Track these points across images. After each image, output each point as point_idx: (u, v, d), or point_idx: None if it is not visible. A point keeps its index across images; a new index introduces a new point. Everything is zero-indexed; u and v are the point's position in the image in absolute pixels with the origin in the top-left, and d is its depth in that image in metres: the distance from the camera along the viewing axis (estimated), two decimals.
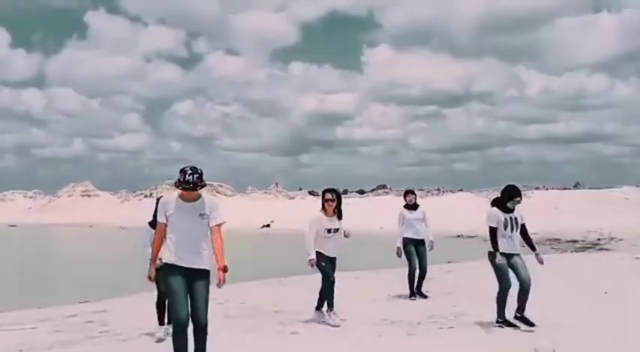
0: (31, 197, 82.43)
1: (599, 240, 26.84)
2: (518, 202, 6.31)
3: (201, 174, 4.46)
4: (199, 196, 4.55)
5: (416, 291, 8.53)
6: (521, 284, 6.22)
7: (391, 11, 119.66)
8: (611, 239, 26.05)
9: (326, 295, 6.69)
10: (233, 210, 56.80)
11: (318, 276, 6.74)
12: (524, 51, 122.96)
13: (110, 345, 6.11)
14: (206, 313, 4.50)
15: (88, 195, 77.03)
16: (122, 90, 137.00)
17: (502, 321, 6.32)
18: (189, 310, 4.47)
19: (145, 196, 69.25)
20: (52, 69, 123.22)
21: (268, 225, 48.54)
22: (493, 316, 6.72)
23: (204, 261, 4.53)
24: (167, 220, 4.52)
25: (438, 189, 62.61)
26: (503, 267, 6.24)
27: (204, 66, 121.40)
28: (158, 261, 4.71)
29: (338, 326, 6.52)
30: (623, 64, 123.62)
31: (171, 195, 4.64)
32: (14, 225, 53.92)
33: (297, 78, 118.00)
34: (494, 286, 6.31)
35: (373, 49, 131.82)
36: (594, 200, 45.41)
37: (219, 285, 4.49)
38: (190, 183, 4.42)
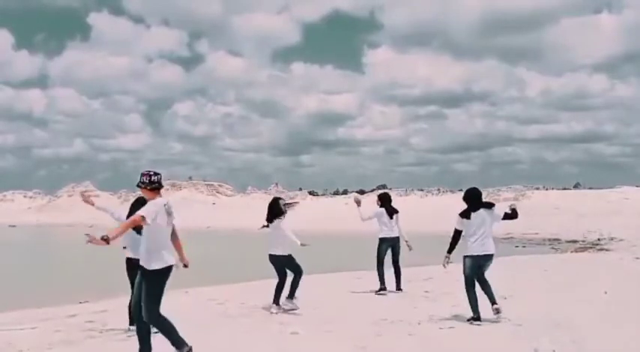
0: (31, 197, 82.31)
1: (599, 240, 26.83)
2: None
3: (160, 177, 5.01)
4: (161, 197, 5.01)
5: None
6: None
7: (392, 12, 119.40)
8: (611, 239, 26.03)
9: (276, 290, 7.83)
10: (233, 210, 57.05)
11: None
12: (524, 51, 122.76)
13: (110, 345, 6.11)
14: None
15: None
16: (124, 91, 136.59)
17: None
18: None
19: None
20: (55, 69, 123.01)
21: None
22: (493, 316, 6.73)
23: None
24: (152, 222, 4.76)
25: (438, 189, 62.59)
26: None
27: (205, 66, 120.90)
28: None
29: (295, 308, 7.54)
30: (623, 64, 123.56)
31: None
32: (14, 225, 53.75)
33: (298, 78, 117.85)
34: (495, 286, 6.30)
35: (374, 49, 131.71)
36: (594, 200, 45.42)
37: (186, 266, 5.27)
38: (156, 182, 4.96)
